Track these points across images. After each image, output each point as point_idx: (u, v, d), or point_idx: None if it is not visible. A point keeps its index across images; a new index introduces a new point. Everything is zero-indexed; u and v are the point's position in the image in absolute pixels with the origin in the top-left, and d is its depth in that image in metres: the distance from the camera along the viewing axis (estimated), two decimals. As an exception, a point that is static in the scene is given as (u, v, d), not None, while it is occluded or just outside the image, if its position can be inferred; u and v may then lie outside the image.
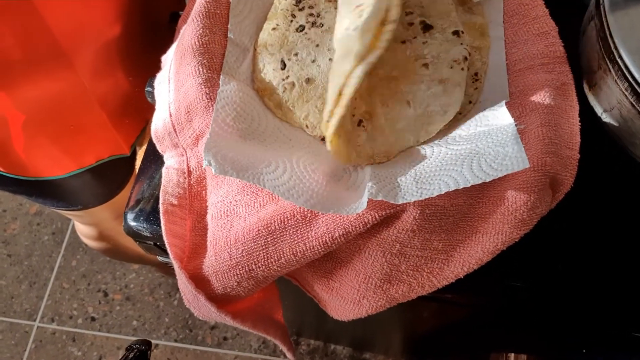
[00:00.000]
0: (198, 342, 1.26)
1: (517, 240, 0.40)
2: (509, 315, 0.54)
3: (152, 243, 0.49)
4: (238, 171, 0.37)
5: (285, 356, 1.23)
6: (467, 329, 0.64)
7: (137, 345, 0.56)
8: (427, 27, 0.46)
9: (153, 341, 1.26)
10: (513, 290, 0.47)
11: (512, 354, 0.54)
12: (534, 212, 0.39)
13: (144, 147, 0.75)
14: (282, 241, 0.40)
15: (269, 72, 0.46)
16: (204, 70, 0.44)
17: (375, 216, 0.38)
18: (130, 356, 0.55)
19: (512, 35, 0.46)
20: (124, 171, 0.75)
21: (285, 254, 0.40)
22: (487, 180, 0.35)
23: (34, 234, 1.39)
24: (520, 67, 0.45)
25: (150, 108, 0.72)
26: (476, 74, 0.45)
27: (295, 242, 0.39)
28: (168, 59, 0.49)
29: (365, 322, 0.44)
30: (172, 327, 1.27)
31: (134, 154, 0.75)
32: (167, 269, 1.21)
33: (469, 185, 0.35)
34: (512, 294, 0.48)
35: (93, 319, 1.29)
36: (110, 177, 0.73)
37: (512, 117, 0.40)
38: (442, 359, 1.06)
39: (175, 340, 1.26)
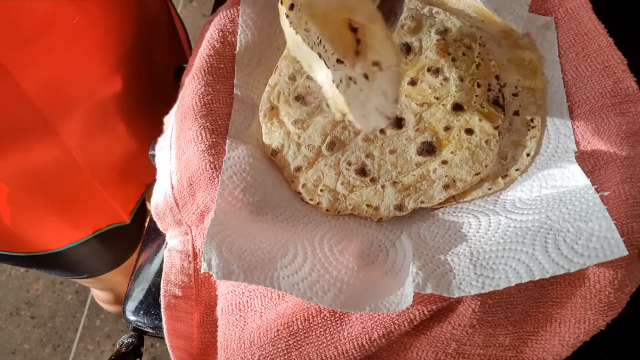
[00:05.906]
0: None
1: (603, 328, 0.32)
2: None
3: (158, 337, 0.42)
4: (246, 270, 0.30)
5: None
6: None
7: (130, 340, 0.48)
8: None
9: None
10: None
11: None
12: (622, 292, 0.32)
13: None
14: (307, 344, 0.32)
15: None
16: (207, 135, 0.38)
17: (423, 311, 0.30)
18: (123, 350, 0.46)
19: (572, 72, 0.39)
20: (131, 234, 0.69)
21: (312, 360, 0.32)
22: (572, 270, 0.27)
23: (57, 294, 1.35)
24: (586, 109, 0.37)
25: (151, 170, 0.66)
26: (531, 120, 0.37)
27: (324, 344, 0.32)
28: (170, 121, 0.43)
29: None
30: (200, 389, 1.20)
31: (144, 212, 0.68)
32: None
33: (547, 276, 0.27)
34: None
35: (118, 383, 1.22)
36: (115, 243, 0.67)
37: (584, 171, 0.32)
38: None
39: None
